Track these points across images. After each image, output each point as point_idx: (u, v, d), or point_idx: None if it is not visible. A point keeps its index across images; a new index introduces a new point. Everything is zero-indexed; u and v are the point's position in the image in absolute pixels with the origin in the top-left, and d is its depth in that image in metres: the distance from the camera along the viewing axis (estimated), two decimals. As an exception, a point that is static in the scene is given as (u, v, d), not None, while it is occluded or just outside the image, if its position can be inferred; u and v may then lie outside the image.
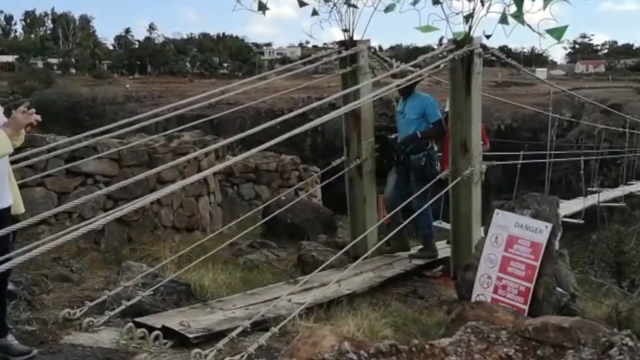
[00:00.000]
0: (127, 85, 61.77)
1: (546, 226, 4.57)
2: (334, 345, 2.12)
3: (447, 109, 7.42)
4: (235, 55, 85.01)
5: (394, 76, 6.57)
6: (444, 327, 3.63)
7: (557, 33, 5.66)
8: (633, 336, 2.10)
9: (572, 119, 27.36)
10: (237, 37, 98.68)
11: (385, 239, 6.32)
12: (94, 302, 4.43)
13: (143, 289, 4.77)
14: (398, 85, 6.25)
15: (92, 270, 5.65)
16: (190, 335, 4.09)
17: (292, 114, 4.95)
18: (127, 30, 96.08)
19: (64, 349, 3.89)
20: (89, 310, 4.32)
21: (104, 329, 4.18)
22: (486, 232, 4.91)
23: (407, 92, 6.79)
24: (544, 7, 5.57)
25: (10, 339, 3.71)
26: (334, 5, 6.62)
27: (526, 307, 4.45)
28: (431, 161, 6.80)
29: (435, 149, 6.99)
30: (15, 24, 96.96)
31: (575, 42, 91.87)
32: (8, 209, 3.49)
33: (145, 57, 78.74)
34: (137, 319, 4.28)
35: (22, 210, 3.63)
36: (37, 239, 4.46)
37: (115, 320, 4.31)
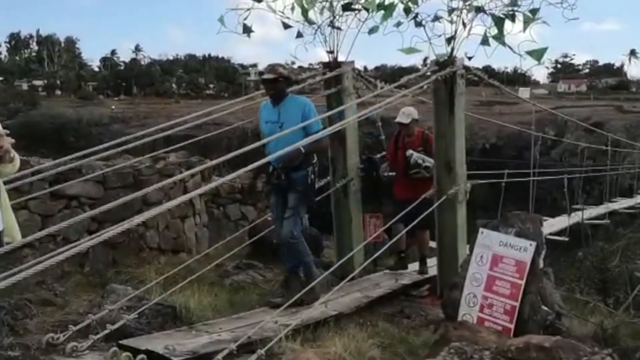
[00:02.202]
0: (113, 107, 61.61)
1: (530, 244, 4.60)
2: (319, 367, 2.12)
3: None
4: (221, 76, 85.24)
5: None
6: (427, 348, 3.63)
7: (536, 54, 5.77)
8: (614, 355, 2.12)
9: (556, 138, 27.70)
10: (223, 58, 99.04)
11: (372, 258, 6.33)
12: (78, 327, 4.37)
13: (128, 312, 4.72)
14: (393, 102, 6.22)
15: (77, 294, 5.60)
16: (175, 359, 4.05)
17: (278, 135, 4.98)
18: (113, 52, 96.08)
19: (47, 374, 3.84)
20: (72, 335, 4.26)
21: (88, 354, 4.13)
22: (471, 251, 4.93)
23: (279, 95, 5.61)
24: (524, 29, 5.69)
25: (-7, 365, 3.65)
26: (318, 27, 6.69)
27: (512, 326, 4.46)
28: (316, 178, 5.77)
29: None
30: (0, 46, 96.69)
31: (557, 61, 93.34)
32: None
33: (131, 78, 78.74)
34: (122, 342, 4.24)
35: (18, 237, 3.56)
36: (21, 262, 4.41)
37: (99, 344, 4.26)
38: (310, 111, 5.55)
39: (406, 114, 7.14)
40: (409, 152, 7.03)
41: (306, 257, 5.71)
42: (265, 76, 5.52)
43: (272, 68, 5.57)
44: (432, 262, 7.83)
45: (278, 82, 5.52)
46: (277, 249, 8.08)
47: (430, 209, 6.29)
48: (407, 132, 7.18)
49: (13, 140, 3.50)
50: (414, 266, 7.67)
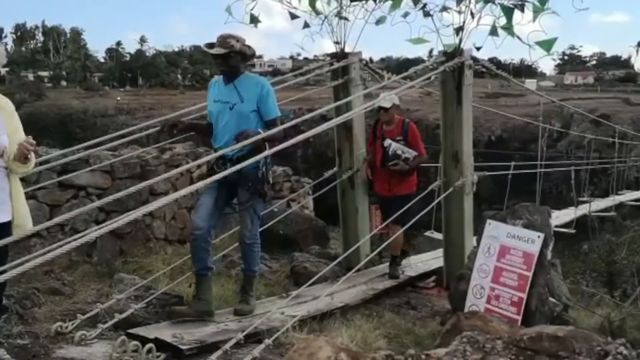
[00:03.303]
0: (119, 98, 61.63)
1: (538, 236, 4.59)
2: (330, 356, 2.12)
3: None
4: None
5: None
6: (438, 337, 3.64)
7: (546, 45, 5.73)
8: (627, 345, 2.11)
9: (562, 130, 27.58)
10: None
11: (378, 250, 6.34)
12: (86, 315, 4.41)
13: (135, 302, 4.75)
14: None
15: (84, 283, 5.61)
16: (184, 347, 4.07)
17: (284, 126, 4.96)
18: (118, 43, 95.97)
19: (56, 362, 3.86)
20: (81, 324, 4.30)
21: (97, 342, 4.15)
22: (478, 243, 4.93)
23: (232, 72, 4.78)
24: (534, 20, 5.65)
25: (2, 353, 3.67)
26: (326, 17, 6.67)
27: (519, 318, 4.46)
28: (269, 173, 4.89)
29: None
30: (5, 36, 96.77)
31: (564, 53, 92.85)
32: (3, 225, 3.45)
33: (137, 70, 78.73)
34: (130, 331, 4.26)
35: (29, 226, 3.57)
36: (29, 252, 4.45)
37: (107, 333, 4.29)
38: (269, 94, 4.78)
39: (387, 99, 6.40)
40: (387, 141, 6.49)
41: (256, 265, 5.05)
42: (215, 51, 4.64)
43: (222, 41, 4.67)
44: (433, 255, 7.87)
45: (230, 58, 4.68)
46: (282, 240, 8.14)
47: (438, 200, 6.28)
48: (386, 119, 6.55)
49: (33, 143, 3.52)
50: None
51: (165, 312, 4.83)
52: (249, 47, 4.71)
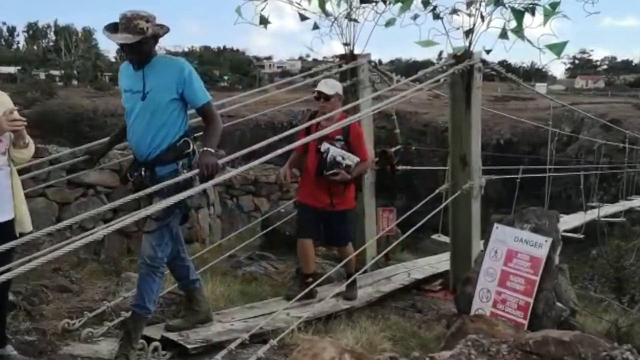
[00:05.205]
0: (128, 97, 61.84)
1: (546, 241, 4.57)
2: (334, 357, 2.12)
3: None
4: (235, 69, 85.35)
5: None
6: (443, 340, 3.63)
7: (556, 48, 5.71)
8: (633, 350, 2.10)
9: (572, 134, 27.41)
10: (237, 50, 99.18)
11: (384, 252, 6.33)
12: (93, 313, 4.44)
13: (142, 301, 4.76)
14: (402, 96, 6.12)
15: (92, 281, 5.64)
16: (189, 346, 4.09)
17: (295, 129, 4.98)
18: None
19: (62, 359, 3.88)
20: (88, 321, 4.33)
21: (103, 340, 4.18)
22: (485, 246, 4.91)
23: (143, 57, 3.79)
24: (544, 23, 5.63)
25: (10, 349, 3.69)
26: (335, 19, 6.68)
27: (525, 322, 4.44)
28: (191, 179, 3.78)
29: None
30: (17, 35, 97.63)
31: (574, 57, 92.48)
32: (6, 223, 3.47)
33: (147, 70, 78.96)
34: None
35: (29, 229, 3.58)
36: (37, 249, 4.46)
37: (114, 331, 4.31)
38: (192, 77, 3.81)
39: (329, 85, 5.40)
40: (325, 145, 5.28)
41: (151, 302, 3.89)
42: (122, 40, 3.67)
43: (128, 24, 3.67)
44: (440, 258, 7.84)
45: (142, 45, 3.72)
46: (289, 241, 8.14)
47: (445, 203, 6.24)
48: (325, 110, 5.29)
49: (24, 120, 3.45)
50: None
51: (172, 312, 4.85)
52: (161, 26, 3.82)
